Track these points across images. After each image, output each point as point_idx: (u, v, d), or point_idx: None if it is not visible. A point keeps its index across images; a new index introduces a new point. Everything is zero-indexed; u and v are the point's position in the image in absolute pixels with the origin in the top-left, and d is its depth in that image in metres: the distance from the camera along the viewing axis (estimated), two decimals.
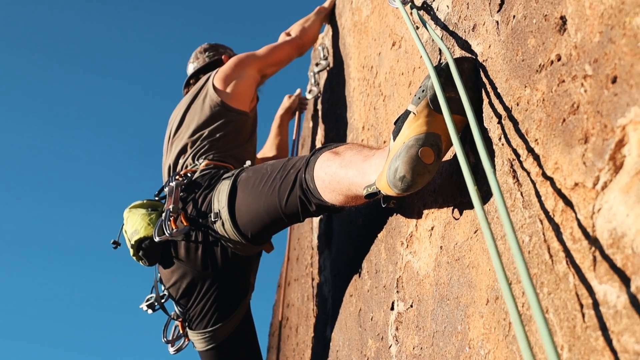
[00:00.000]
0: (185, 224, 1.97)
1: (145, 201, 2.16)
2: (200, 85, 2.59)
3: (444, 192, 1.33)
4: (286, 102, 3.37)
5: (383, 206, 1.34)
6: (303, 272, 3.04)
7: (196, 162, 2.28)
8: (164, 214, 2.00)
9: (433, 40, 1.50)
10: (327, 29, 3.28)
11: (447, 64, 1.22)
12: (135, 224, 2.04)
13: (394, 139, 1.28)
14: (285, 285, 3.55)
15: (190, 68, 2.90)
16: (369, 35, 2.29)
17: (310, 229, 3.02)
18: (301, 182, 1.69)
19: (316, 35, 3.10)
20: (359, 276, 1.94)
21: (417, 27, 1.66)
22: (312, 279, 2.73)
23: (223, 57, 2.83)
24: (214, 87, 2.47)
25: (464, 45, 1.30)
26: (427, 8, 1.57)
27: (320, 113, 3.22)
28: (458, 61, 1.21)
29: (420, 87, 1.27)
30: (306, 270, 2.96)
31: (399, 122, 1.28)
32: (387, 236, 1.70)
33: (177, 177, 2.16)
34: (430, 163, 1.19)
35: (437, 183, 1.37)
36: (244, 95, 2.52)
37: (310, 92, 3.31)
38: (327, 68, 3.14)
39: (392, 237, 1.64)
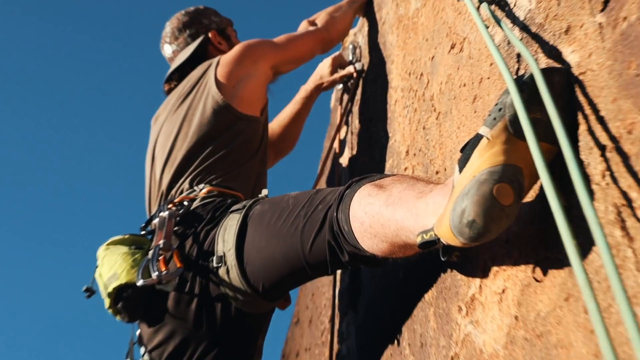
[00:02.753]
0: (178, 265, 1.95)
1: (127, 236, 2.15)
2: (194, 81, 2.56)
3: (522, 244, 1.30)
4: (324, 68, 3.17)
5: (443, 260, 1.32)
6: (318, 340, 3.00)
7: (195, 187, 2.27)
8: (151, 252, 1.98)
9: (509, 43, 1.49)
10: (362, 23, 3.30)
11: (531, 76, 1.21)
12: (113, 267, 2.02)
13: (460, 171, 1.26)
14: (292, 356, 3.51)
15: (169, 50, 2.83)
16: (418, 33, 2.29)
17: (329, 282, 2.99)
18: (332, 223, 1.67)
19: (347, 29, 3.11)
20: (397, 349, 1.91)
21: (487, 26, 1.66)
22: (330, 350, 2.69)
23: (210, 34, 2.82)
24: (218, 86, 2.46)
25: (553, 52, 1.28)
26: (500, 2, 1.57)
27: (350, 129, 3.23)
28: (546, 72, 1.19)
29: (496, 104, 1.25)
30: (322, 337, 2.92)
31: (468, 150, 1.26)
32: (438, 298, 1.66)
33: (170, 205, 2.15)
34: (508, 204, 1.16)
35: (511, 231, 1.34)
36: (255, 97, 2.52)
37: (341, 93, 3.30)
38: (356, 72, 3.15)
39: (446, 299, 1.61)
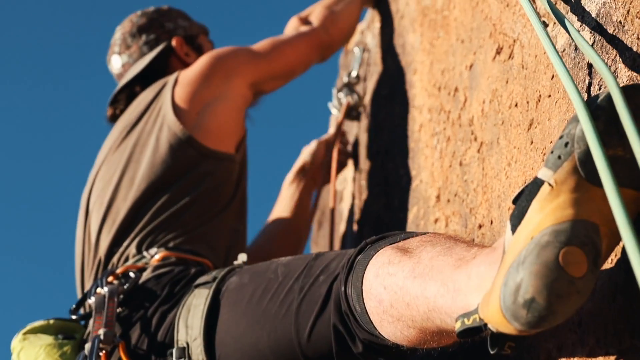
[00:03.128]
0: None
1: (51, 321, 2.16)
2: (144, 106, 2.59)
3: (599, 328, 1.31)
4: (309, 154, 3.23)
5: (491, 352, 1.33)
6: None
7: (145, 252, 2.29)
8: (88, 346, 1.99)
9: (576, 48, 1.52)
10: (371, 18, 3.35)
11: (608, 97, 1.23)
12: None
13: (513, 231, 1.27)
14: None
15: (117, 64, 2.85)
16: (450, 32, 2.33)
17: None
18: (339, 300, 1.68)
19: (352, 28, 3.16)
20: None
21: (546, 24, 1.69)
22: None
23: (174, 41, 2.83)
24: (176, 113, 2.49)
25: (638, 63, 1.31)
26: None
27: (357, 165, 3.25)
28: (629, 92, 1.21)
29: (560, 137, 1.27)
30: None
31: (523, 200, 1.27)
32: None
33: (110, 278, 2.17)
34: (580, 276, 1.17)
35: (585, 310, 1.36)
36: (228, 127, 2.56)
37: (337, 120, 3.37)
38: (359, 84, 3.19)
39: None
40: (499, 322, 1.23)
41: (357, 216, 3.11)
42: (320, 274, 1.78)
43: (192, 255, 2.28)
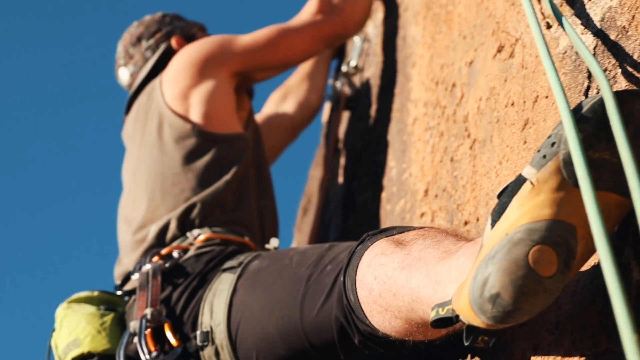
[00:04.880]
0: (176, 342, 2.02)
1: (96, 293, 2.23)
2: (142, 104, 2.67)
3: (576, 330, 1.32)
4: None
5: (466, 344, 1.34)
6: None
7: (188, 234, 2.34)
8: (133, 324, 2.05)
9: (578, 54, 1.53)
10: (375, 7, 3.35)
11: (600, 101, 1.24)
12: (75, 330, 2.09)
13: (492, 226, 1.28)
14: None
15: (125, 75, 2.91)
16: (453, 27, 2.34)
17: None
18: (341, 291, 1.70)
19: (366, 20, 3.13)
20: None
21: (549, 25, 1.70)
22: None
23: (172, 40, 2.86)
24: (171, 108, 2.54)
25: (639, 69, 1.32)
26: None
27: (347, 154, 3.25)
28: (622, 97, 1.22)
29: (549, 137, 1.28)
30: None
31: (505, 196, 1.29)
32: None
33: (155, 257, 2.22)
34: (549, 275, 1.19)
35: (563, 311, 1.37)
36: (225, 108, 2.59)
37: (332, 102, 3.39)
38: (356, 74, 3.19)
39: None
40: (467, 314, 1.25)
41: (343, 206, 3.11)
42: (329, 264, 1.80)
43: (234, 236, 2.33)
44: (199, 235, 2.31)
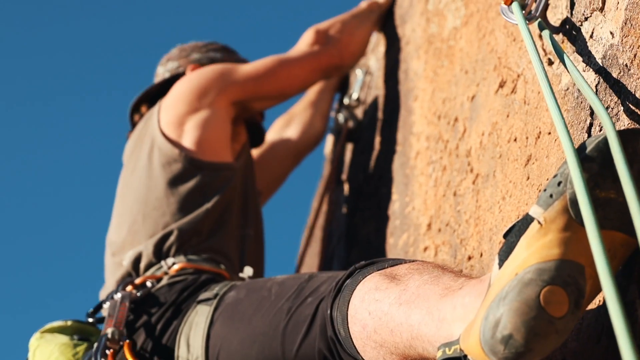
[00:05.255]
0: None
1: (69, 323, 2.22)
2: (141, 128, 2.69)
3: None
4: None
5: None
6: None
7: (162, 262, 2.34)
8: (96, 344, 2.03)
9: (580, 91, 1.53)
10: (377, 40, 3.37)
11: (604, 140, 1.24)
12: None
13: (500, 266, 1.28)
14: None
15: (157, 74, 2.97)
16: (455, 62, 2.35)
17: None
18: (324, 324, 1.69)
19: (364, 49, 3.16)
20: None
21: (551, 62, 1.70)
22: None
23: (189, 67, 2.87)
24: (164, 134, 2.56)
25: None
26: (570, 31, 1.62)
27: (350, 187, 3.25)
28: (626, 136, 1.23)
29: (555, 175, 1.29)
30: None
31: (512, 236, 1.29)
32: None
33: (128, 287, 2.21)
34: (560, 316, 1.19)
35: (568, 348, 1.36)
36: (218, 138, 2.60)
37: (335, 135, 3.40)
38: (359, 107, 3.20)
39: None
40: (477, 354, 1.25)
41: (346, 238, 3.11)
42: (309, 296, 1.79)
43: (209, 266, 2.32)
44: (173, 265, 2.30)
